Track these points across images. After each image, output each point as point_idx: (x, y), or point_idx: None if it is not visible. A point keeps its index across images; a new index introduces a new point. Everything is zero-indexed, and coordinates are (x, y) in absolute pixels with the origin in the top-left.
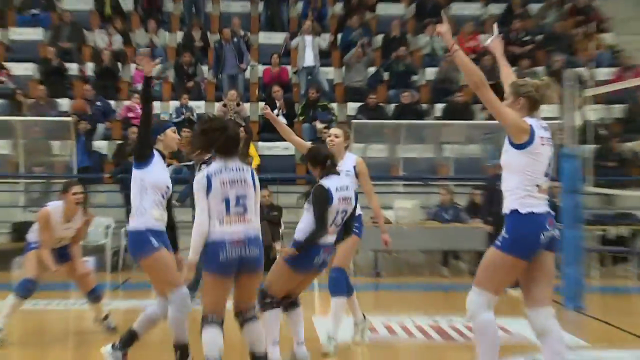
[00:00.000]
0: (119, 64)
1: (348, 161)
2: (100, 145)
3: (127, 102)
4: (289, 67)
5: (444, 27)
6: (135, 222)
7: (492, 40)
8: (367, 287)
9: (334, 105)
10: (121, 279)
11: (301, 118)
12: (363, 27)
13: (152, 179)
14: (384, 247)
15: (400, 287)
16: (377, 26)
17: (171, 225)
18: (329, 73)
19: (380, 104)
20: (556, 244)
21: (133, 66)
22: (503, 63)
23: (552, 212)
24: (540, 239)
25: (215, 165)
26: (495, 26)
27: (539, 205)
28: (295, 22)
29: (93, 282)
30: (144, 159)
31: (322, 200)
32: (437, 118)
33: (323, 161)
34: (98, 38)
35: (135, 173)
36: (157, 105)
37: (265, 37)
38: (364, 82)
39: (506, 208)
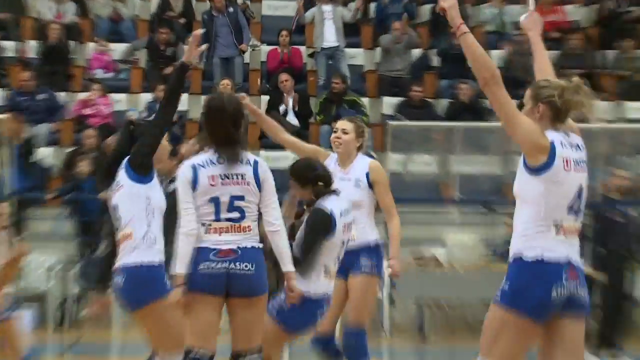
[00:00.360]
0: (72, 43)
1: (359, 167)
2: (44, 153)
3: (82, 95)
4: (302, 48)
5: (448, 1)
6: (143, 255)
7: (527, 18)
8: (407, 353)
9: (364, 100)
10: (69, 340)
11: (319, 118)
12: None
13: (158, 198)
14: (394, 276)
15: (453, 353)
16: None
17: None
18: (358, 56)
19: (428, 100)
20: (581, 306)
21: (91, 45)
22: (539, 50)
23: (578, 262)
24: (552, 294)
25: (205, 155)
26: None
27: (555, 250)
28: None
29: (23, 346)
30: (149, 170)
31: (322, 227)
32: None
33: (315, 180)
34: (43, 7)
35: (137, 189)
36: (122, 99)
37: (271, 7)
38: (405, 69)
39: (510, 251)
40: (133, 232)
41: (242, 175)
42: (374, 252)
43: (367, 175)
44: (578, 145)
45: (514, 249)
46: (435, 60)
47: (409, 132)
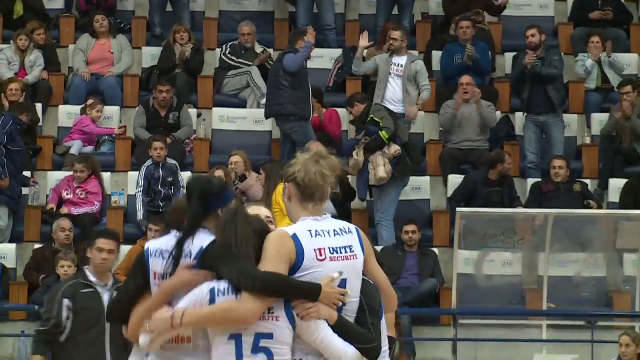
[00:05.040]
0: (38, 106)
1: None
2: (2, 251)
3: (52, 175)
4: (342, 111)
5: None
6: None
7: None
8: None
9: (424, 179)
10: None
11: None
12: (478, 37)
13: None
14: None
15: None
16: (503, 36)
17: None
18: (417, 122)
19: (510, 176)
20: None
21: (65, 109)
22: None
23: None
24: None
25: None
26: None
27: None
28: (353, 28)
29: None
30: None
31: None
32: (611, 204)
33: None
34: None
35: None
36: (104, 179)
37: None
38: (480, 139)
39: None
40: None
41: (270, 310)
42: None
43: None
44: (336, 230)
45: None
46: (519, 127)
47: (483, 222)
